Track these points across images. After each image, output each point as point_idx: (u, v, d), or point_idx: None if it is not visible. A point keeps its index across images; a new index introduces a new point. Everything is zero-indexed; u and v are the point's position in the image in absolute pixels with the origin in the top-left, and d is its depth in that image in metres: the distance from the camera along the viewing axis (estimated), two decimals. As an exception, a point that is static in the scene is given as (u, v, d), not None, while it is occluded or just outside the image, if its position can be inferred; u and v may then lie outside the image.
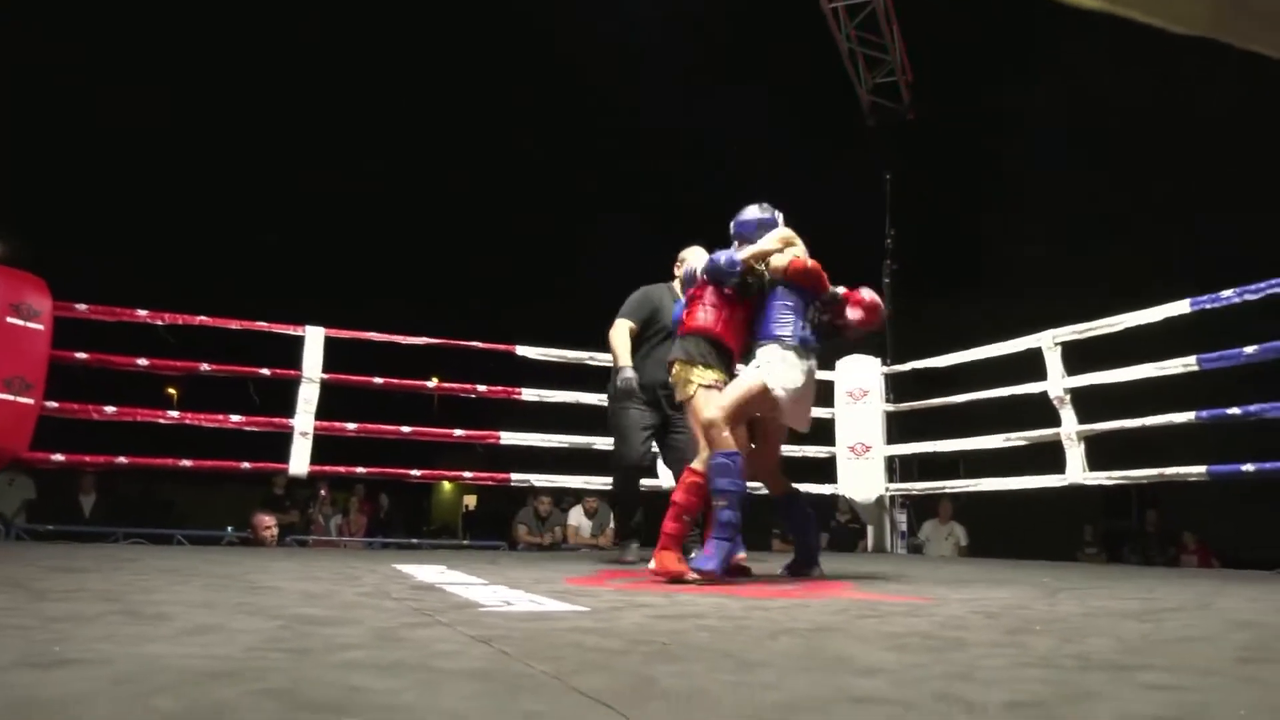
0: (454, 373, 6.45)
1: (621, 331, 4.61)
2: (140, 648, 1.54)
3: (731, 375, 3.62)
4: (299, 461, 5.29)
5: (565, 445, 5.90)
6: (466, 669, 1.36)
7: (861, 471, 6.69)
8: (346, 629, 1.82)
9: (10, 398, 4.68)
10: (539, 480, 5.96)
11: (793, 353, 3.50)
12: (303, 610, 2.15)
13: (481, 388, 5.83)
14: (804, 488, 6.78)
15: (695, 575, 3.25)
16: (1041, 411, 5.63)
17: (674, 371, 3.66)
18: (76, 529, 8.12)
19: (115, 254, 12.98)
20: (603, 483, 6.38)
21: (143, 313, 5.12)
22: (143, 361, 5.07)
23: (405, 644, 1.61)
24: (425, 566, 3.86)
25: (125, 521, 8.69)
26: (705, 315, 3.66)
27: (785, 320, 3.55)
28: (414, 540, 8.50)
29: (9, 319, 4.70)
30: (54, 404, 4.90)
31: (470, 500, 22.78)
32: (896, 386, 7.00)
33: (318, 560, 4.26)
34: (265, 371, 5.33)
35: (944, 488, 6.73)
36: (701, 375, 3.55)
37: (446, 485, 22.97)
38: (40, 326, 4.81)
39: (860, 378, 6.78)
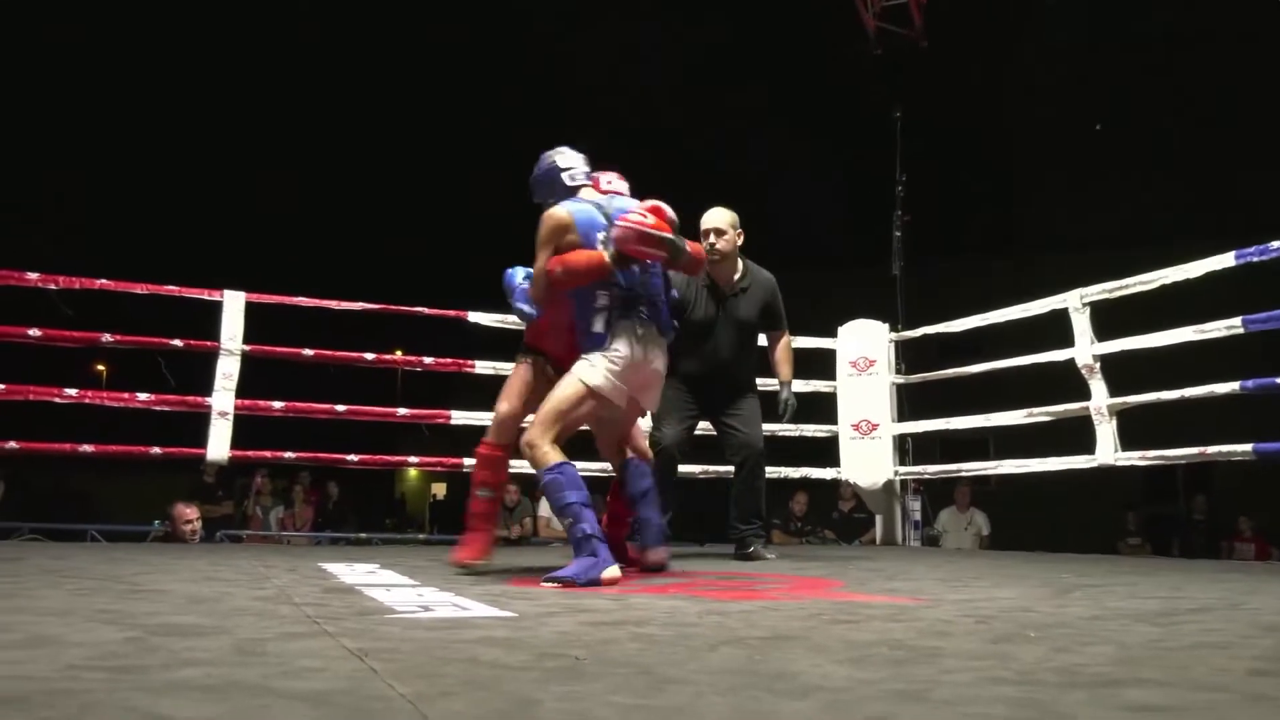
0: (407, 345, 6.41)
1: None
2: (-60, 667, 1.45)
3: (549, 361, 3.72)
4: (218, 445, 5.20)
5: (527, 426, 5.79)
6: (311, 691, 1.28)
7: (867, 453, 6.62)
8: (206, 641, 1.74)
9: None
10: (497, 466, 5.86)
11: (594, 352, 3.43)
12: (171, 619, 2.07)
13: (428, 359, 5.73)
14: (803, 471, 6.76)
15: (547, 583, 3.14)
16: (1073, 383, 5.55)
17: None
18: (-23, 524, 8.04)
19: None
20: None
21: (33, 276, 4.99)
22: (34, 332, 4.95)
23: (261, 660, 1.52)
24: (357, 565, 3.79)
25: (36, 516, 8.63)
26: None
27: (579, 323, 3.49)
28: (363, 535, 8.44)
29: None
30: (-67, 382, 4.80)
31: (439, 489, 22.69)
32: (908, 355, 6.90)
33: (236, 558, 4.18)
34: (178, 343, 5.22)
35: (959, 471, 6.65)
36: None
37: (413, 472, 22.93)
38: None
39: (865, 346, 6.69)
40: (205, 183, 14.32)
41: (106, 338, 5.09)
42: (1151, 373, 5.18)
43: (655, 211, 3.42)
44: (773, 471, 6.56)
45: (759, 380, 4.95)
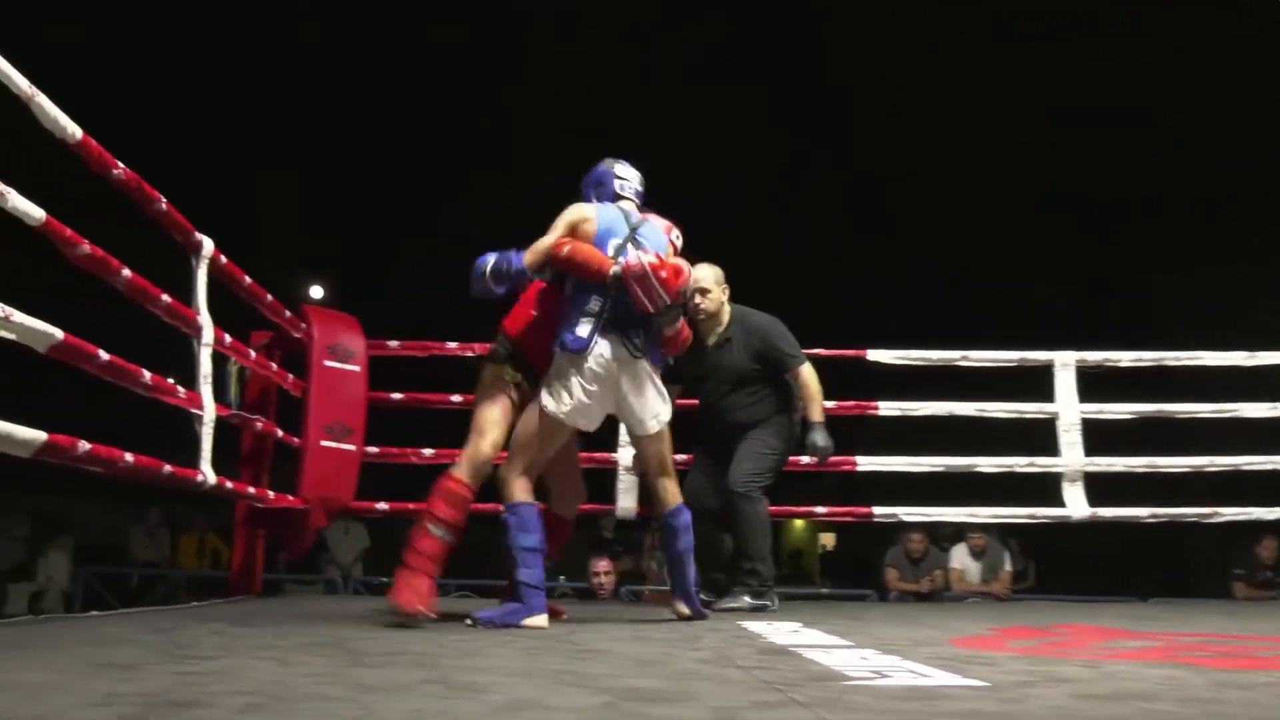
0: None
1: None
2: (445, 730, 1.53)
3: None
4: (626, 500, 5.42)
5: (940, 469, 5.58)
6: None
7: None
8: (680, 710, 1.73)
9: (333, 444, 5.19)
10: (908, 515, 5.67)
11: (564, 360, 3.49)
12: (632, 682, 2.09)
13: (829, 403, 5.64)
14: (1275, 512, 5.88)
15: (470, 621, 3.30)
16: None
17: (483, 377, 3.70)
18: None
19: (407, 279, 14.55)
20: (991, 515, 5.98)
21: (453, 345, 5.50)
22: (456, 398, 5.44)
23: (751, 733, 1.48)
24: (776, 623, 3.77)
25: (461, 571, 9.47)
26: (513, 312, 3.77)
27: (564, 319, 3.53)
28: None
29: (326, 362, 5.23)
30: (374, 449, 5.39)
31: (827, 539, 22.59)
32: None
33: (653, 616, 4.27)
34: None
35: None
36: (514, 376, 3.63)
37: (799, 523, 22.98)
38: (356, 368, 5.32)
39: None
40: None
41: (455, 398, 5.41)
42: None
43: (673, 271, 3.49)
44: (1234, 513, 5.84)
45: None
